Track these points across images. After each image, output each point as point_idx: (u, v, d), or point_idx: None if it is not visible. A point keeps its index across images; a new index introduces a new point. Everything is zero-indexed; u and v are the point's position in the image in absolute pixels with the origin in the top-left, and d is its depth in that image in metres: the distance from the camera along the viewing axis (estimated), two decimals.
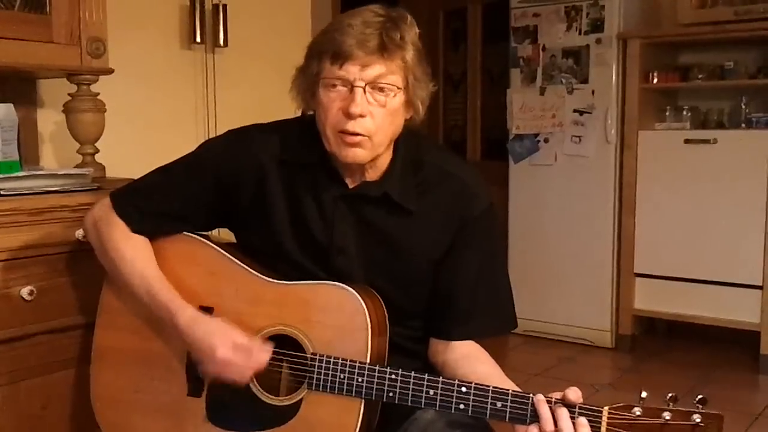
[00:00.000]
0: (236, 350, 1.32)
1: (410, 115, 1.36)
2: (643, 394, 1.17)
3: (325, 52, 1.29)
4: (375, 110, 1.29)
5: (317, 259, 1.40)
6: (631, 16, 3.80)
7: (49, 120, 2.24)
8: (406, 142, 1.39)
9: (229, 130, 1.50)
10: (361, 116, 1.28)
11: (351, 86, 1.28)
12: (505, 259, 1.52)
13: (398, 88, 1.30)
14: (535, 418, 1.20)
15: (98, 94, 2.06)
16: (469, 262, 1.41)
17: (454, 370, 1.38)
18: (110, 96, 2.10)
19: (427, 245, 1.40)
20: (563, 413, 1.18)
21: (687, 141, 3.65)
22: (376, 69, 1.27)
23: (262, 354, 1.33)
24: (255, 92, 2.77)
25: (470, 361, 1.38)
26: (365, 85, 1.28)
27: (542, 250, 4.03)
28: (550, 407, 1.19)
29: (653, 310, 3.83)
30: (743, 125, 3.66)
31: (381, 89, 1.29)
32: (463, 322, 1.41)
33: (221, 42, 2.70)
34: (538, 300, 3.98)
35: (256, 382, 1.37)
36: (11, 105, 1.83)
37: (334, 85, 1.29)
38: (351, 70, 1.27)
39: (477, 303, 1.41)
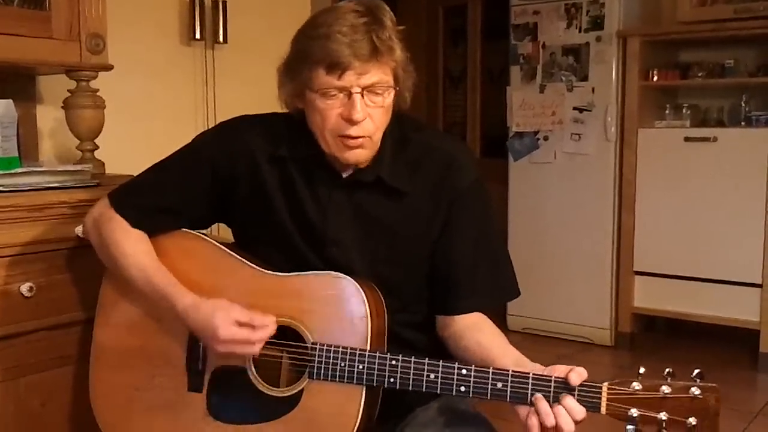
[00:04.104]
0: (239, 327, 1.32)
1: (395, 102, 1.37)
2: (641, 370, 1.18)
3: (319, 61, 1.28)
4: (373, 111, 1.31)
5: (316, 250, 1.41)
6: (631, 13, 3.81)
7: (48, 116, 2.23)
8: (390, 123, 1.39)
9: (220, 122, 1.51)
10: (362, 120, 1.30)
11: (349, 93, 1.29)
12: (499, 229, 1.52)
13: (392, 87, 1.32)
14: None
15: (98, 90, 2.05)
16: (465, 235, 1.41)
17: (458, 341, 1.38)
18: (110, 92, 2.09)
19: (423, 225, 1.40)
20: (561, 411, 1.18)
21: (687, 139, 3.65)
22: (372, 75, 1.29)
23: (265, 327, 1.32)
24: (254, 89, 2.75)
25: (473, 331, 1.38)
26: (362, 90, 1.29)
27: (542, 248, 4.03)
28: (547, 398, 1.19)
29: (653, 308, 3.83)
30: (743, 123, 3.65)
31: (377, 93, 1.30)
32: (465, 296, 1.41)
33: (221, 38, 2.70)
34: (538, 298, 3.98)
35: (256, 374, 1.37)
36: (10, 101, 1.82)
37: (333, 94, 1.29)
38: (348, 79, 1.28)
39: (477, 276, 1.41)
